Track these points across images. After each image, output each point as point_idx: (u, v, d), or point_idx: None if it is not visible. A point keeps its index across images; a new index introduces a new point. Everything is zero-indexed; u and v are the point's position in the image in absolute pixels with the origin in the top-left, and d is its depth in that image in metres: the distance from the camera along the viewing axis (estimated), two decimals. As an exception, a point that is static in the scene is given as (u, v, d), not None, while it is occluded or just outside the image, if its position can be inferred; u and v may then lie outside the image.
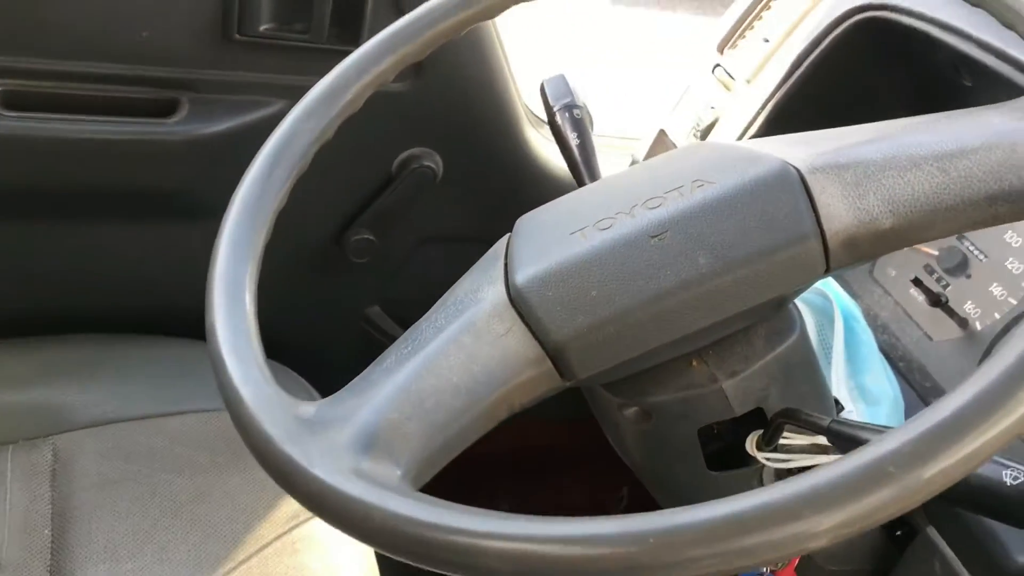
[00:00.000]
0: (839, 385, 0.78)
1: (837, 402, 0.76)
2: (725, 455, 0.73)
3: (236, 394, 0.54)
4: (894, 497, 0.39)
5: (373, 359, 0.58)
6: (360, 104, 0.71)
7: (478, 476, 1.51)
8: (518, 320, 0.57)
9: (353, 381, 0.59)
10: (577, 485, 1.64)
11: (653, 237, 0.57)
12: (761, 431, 0.70)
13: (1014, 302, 0.90)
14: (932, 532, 0.75)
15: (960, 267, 0.94)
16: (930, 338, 0.93)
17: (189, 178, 1.08)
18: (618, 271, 0.56)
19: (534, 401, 0.61)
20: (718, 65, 1.08)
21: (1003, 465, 0.53)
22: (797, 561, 0.75)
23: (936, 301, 0.91)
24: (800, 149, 0.59)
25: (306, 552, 0.91)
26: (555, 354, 0.57)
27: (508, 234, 0.66)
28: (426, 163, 1.17)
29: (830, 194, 0.54)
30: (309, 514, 0.95)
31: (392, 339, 0.61)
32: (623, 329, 0.56)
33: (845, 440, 0.62)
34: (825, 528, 0.38)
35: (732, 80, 1.05)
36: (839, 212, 0.54)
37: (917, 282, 0.93)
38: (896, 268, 0.98)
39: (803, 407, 0.68)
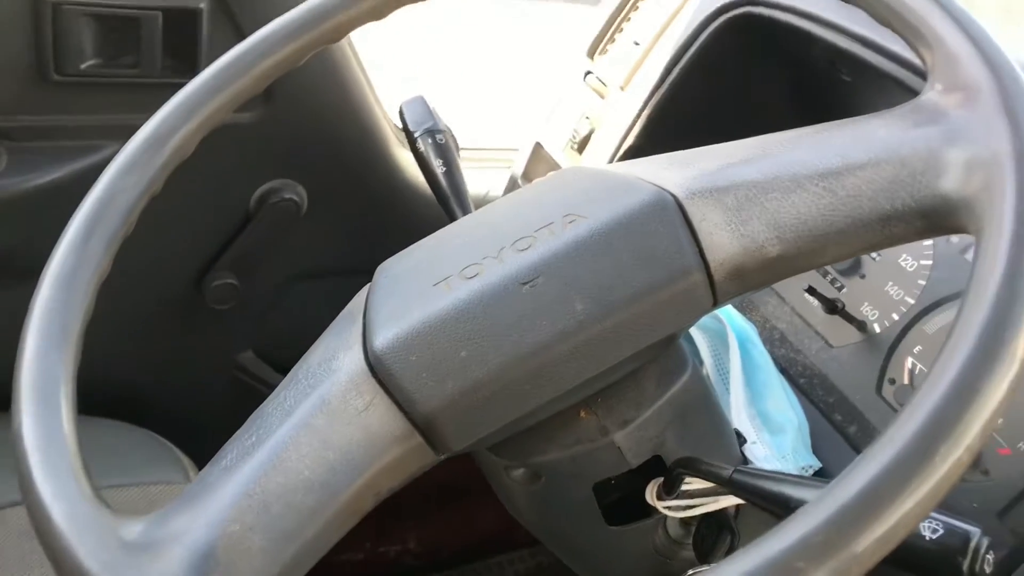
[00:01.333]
0: (740, 414, 0.73)
1: (739, 434, 0.71)
2: (625, 505, 0.68)
3: (45, 514, 0.46)
4: None
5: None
6: (192, 148, 0.63)
7: (381, 513, 1.43)
8: (380, 391, 0.50)
9: (188, 487, 0.51)
10: (488, 511, 1.58)
11: (524, 284, 0.51)
12: (661, 479, 0.64)
13: (911, 301, 0.86)
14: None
15: (854, 268, 0.91)
16: (831, 345, 0.89)
17: (13, 237, 0.96)
18: (489, 326, 0.50)
19: (406, 481, 0.54)
20: (589, 72, 1.02)
21: None
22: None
23: (833, 308, 0.88)
24: (676, 172, 0.54)
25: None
26: (425, 427, 0.50)
27: (368, 285, 0.59)
28: (287, 196, 1.09)
29: (711, 222, 0.50)
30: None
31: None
32: (499, 391, 0.50)
33: (749, 492, 0.57)
34: None
35: (605, 87, 0.99)
36: (722, 241, 0.49)
37: (812, 290, 0.89)
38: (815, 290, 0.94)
39: (703, 448, 0.63)
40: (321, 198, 1.10)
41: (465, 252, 0.56)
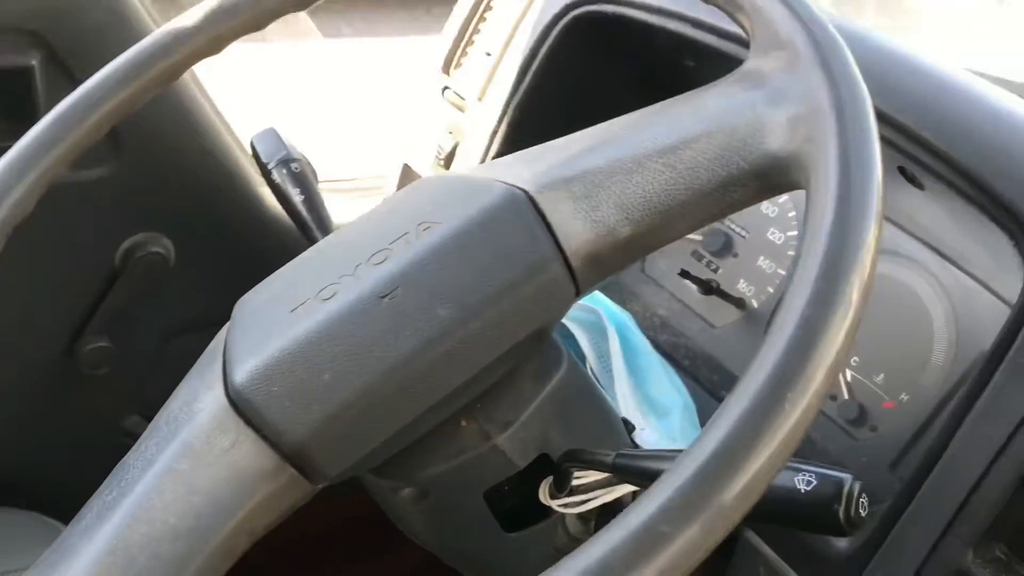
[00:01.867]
0: (626, 402, 0.73)
1: (627, 422, 0.71)
2: (521, 510, 0.67)
3: None
4: (675, 559, 0.34)
5: None
6: (31, 207, 0.60)
7: (303, 557, 1.39)
8: (244, 428, 0.48)
9: (45, 554, 0.48)
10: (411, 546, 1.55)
11: (383, 297, 0.50)
12: (552, 477, 0.64)
13: (783, 272, 0.88)
14: (751, 536, 0.71)
15: (726, 248, 0.92)
16: (712, 326, 0.90)
17: None
18: (350, 345, 0.49)
19: (284, 516, 0.52)
20: (447, 87, 1.02)
21: (795, 470, 0.49)
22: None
23: (708, 289, 0.89)
24: (525, 168, 0.54)
25: None
26: (295, 457, 0.48)
27: (228, 323, 0.57)
28: (153, 249, 1.05)
29: (562, 212, 0.50)
30: None
31: None
32: (368, 410, 0.49)
33: (633, 474, 0.57)
34: None
35: (463, 100, 0.99)
36: (575, 229, 0.50)
37: (685, 273, 0.90)
38: (666, 261, 0.95)
39: (589, 440, 0.63)
40: (189, 247, 1.07)
41: (321, 274, 0.55)
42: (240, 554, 0.49)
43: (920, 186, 0.68)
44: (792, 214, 0.90)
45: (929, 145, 0.64)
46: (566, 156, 0.53)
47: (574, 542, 0.69)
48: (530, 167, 0.54)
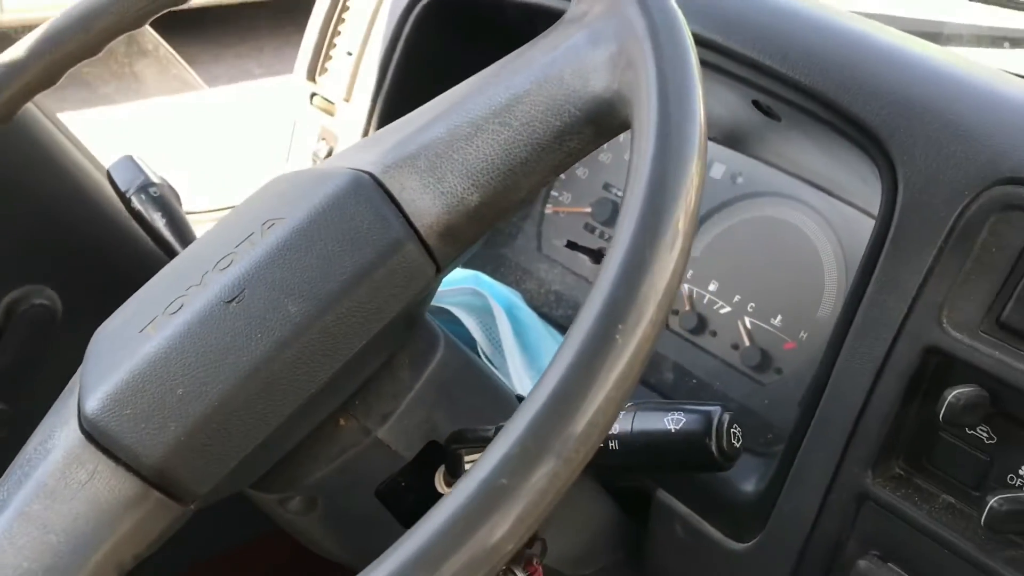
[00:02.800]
0: (520, 379, 0.71)
1: (522, 398, 0.69)
2: (423, 503, 0.65)
3: None
4: (521, 509, 0.33)
5: None
6: None
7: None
8: (102, 457, 0.47)
9: None
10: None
11: (230, 302, 0.48)
12: (444, 464, 0.62)
13: (673, 231, 0.87)
14: (664, 496, 0.70)
15: (615, 214, 0.91)
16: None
17: None
18: (200, 356, 0.47)
19: (157, 544, 0.49)
20: (314, 94, 0.99)
21: (664, 411, 0.48)
22: (543, 580, 0.67)
23: (598, 257, 0.88)
24: (370, 151, 0.52)
25: None
26: (158, 480, 0.46)
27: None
28: (37, 302, 1.01)
29: (410, 189, 0.49)
30: None
31: None
32: (229, 420, 0.47)
33: None
34: None
35: (332, 104, 0.97)
36: (425, 205, 0.49)
37: (572, 244, 0.89)
38: (559, 237, 0.94)
39: (480, 422, 0.61)
40: (75, 294, 1.03)
41: (170, 289, 0.52)
42: None
43: (777, 117, 0.68)
44: (674, 171, 0.89)
45: (777, 74, 0.63)
46: (408, 132, 0.52)
47: (484, 529, 0.67)
48: (374, 149, 0.53)
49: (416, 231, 0.49)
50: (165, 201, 0.78)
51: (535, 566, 0.68)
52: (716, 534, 0.66)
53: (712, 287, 0.83)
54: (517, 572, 0.67)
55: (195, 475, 0.47)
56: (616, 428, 0.50)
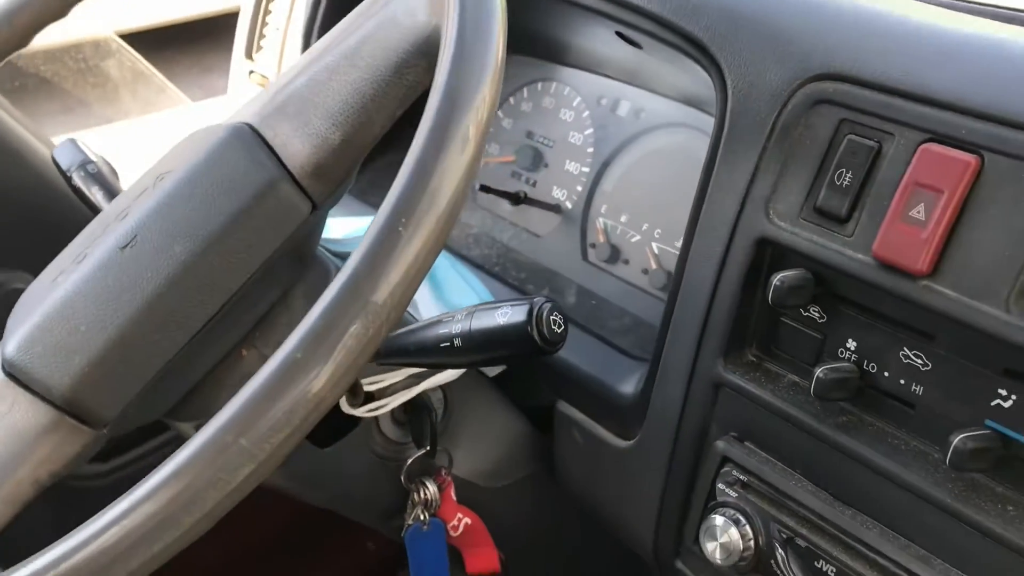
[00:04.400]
0: (426, 308, 0.76)
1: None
2: (337, 426, 0.70)
3: None
4: (315, 388, 0.40)
5: None
6: None
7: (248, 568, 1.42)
8: (19, 390, 0.53)
9: None
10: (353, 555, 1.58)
11: (124, 248, 0.54)
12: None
13: (587, 170, 0.92)
14: (562, 405, 0.75)
15: (536, 161, 0.96)
16: (538, 235, 0.94)
17: None
18: (100, 297, 0.53)
19: (74, 464, 0.55)
20: (252, 71, 1.05)
21: (496, 308, 0.53)
22: (451, 488, 0.73)
23: (517, 199, 0.93)
24: (254, 104, 0.58)
25: None
26: (69, 407, 0.52)
27: None
28: (14, 286, 1.08)
29: (283, 134, 0.54)
30: None
31: None
32: (129, 351, 0.52)
33: (391, 353, 0.61)
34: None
35: (266, 78, 1.03)
36: (296, 148, 0.53)
37: (487, 188, 0.94)
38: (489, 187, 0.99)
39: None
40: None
41: (80, 243, 0.58)
42: (26, 502, 0.53)
43: (638, 45, 0.72)
44: (586, 114, 0.94)
45: (626, 3, 0.68)
46: (282, 83, 0.57)
47: (392, 444, 0.73)
48: (256, 103, 0.58)
49: (289, 172, 0.54)
50: (101, 177, 0.84)
51: (443, 476, 0.74)
52: (606, 435, 0.71)
53: (623, 218, 0.88)
54: (428, 483, 0.73)
55: (102, 402, 0.52)
56: (458, 328, 0.55)
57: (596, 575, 0.92)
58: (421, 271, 0.42)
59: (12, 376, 0.52)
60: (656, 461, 0.67)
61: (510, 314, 0.52)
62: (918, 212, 0.51)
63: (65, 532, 0.84)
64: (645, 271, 0.85)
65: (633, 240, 0.87)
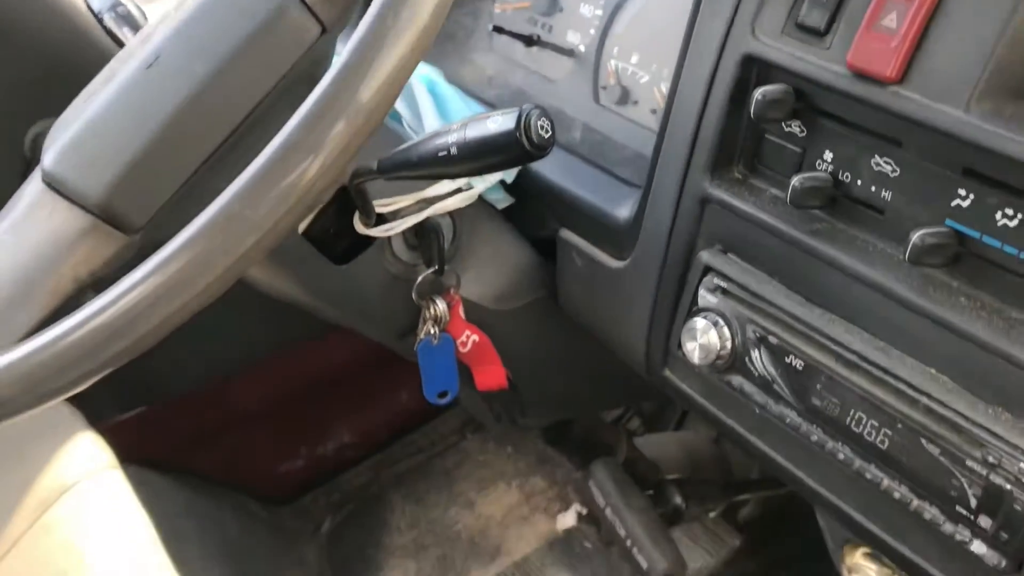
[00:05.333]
0: (432, 127, 0.80)
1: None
2: (352, 247, 0.76)
3: None
4: (324, 159, 0.45)
5: None
6: None
7: (310, 420, 1.51)
8: (58, 198, 0.58)
9: None
10: (405, 388, 1.66)
11: (148, 67, 0.58)
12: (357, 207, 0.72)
13: (600, 12, 0.94)
14: (564, 232, 0.79)
15: (551, 5, 0.98)
16: (550, 80, 0.97)
17: None
18: (128, 112, 0.58)
19: (109, 266, 0.61)
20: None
21: (488, 118, 0.57)
22: (460, 307, 0.78)
23: (530, 41, 0.95)
24: None
25: (59, 532, 0.90)
26: (103, 213, 0.57)
27: None
28: None
29: None
30: (56, 496, 0.94)
31: None
32: (158, 162, 0.58)
33: (392, 168, 0.65)
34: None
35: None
36: None
37: (500, 29, 0.96)
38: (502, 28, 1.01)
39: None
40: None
41: (110, 67, 0.63)
42: (67, 296, 0.59)
43: None
44: (604, -45, 0.95)
45: None
46: None
47: (404, 265, 0.78)
48: None
49: None
50: (132, 18, 0.88)
51: (452, 295, 0.79)
52: (603, 257, 0.76)
53: (634, 59, 0.90)
54: (437, 300, 0.78)
55: (132, 209, 0.57)
56: (453, 137, 0.59)
57: (595, 393, 0.98)
58: (404, 70, 0.46)
59: (51, 186, 0.58)
60: (647, 278, 0.71)
61: (500, 122, 0.56)
62: (890, 20, 0.54)
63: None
64: (653, 111, 0.88)
65: (643, 81, 0.89)
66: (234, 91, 0.58)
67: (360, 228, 0.72)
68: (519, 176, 0.81)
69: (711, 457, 1.20)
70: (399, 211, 0.74)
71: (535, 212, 0.83)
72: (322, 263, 0.74)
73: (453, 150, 0.59)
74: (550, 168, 0.81)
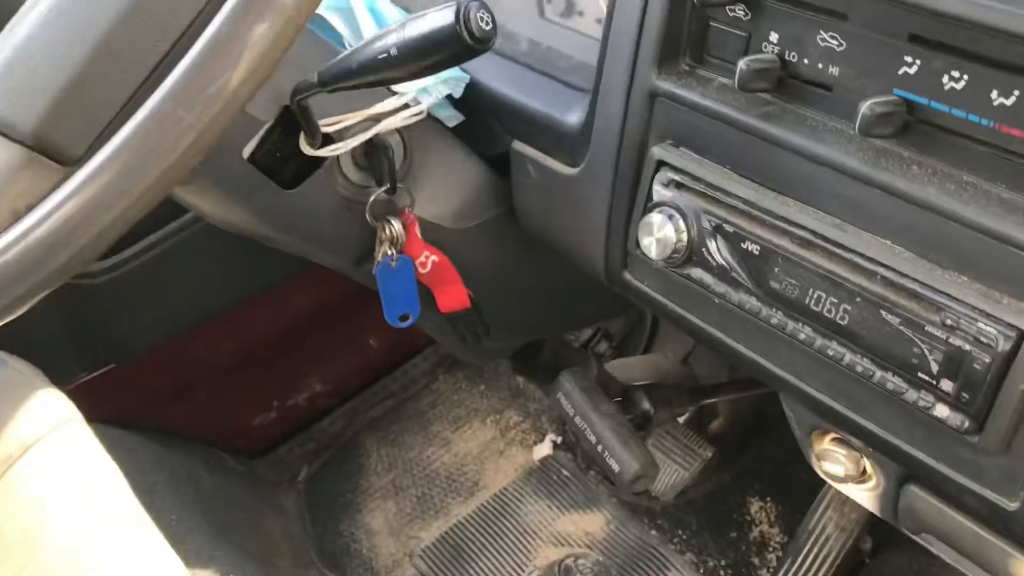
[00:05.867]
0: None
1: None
2: (291, 164, 0.74)
3: None
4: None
5: None
6: None
7: (280, 372, 1.50)
8: None
9: None
10: (371, 335, 1.65)
11: None
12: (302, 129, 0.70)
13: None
14: (517, 144, 0.78)
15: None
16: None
17: None
18: (55, 39, 0.55)
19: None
20: None
21: (423, 15, 0.56)
22: (416, 226, 0.77)
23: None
24: None
25: (23, 488, 0.88)
26: (38, 145, 0.55)
27: None
28: None
29: None
30: (20, 453, 0.92)
31: None
32: (87, 88, 0.55)
33: (336, 77, 0.63)
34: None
35: None
36: None
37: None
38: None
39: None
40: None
41: None
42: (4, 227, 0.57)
43: None
44: None
45: None
46: None
47: (355, 186, 0.77)
48: None
49: None
50: None
51: (407, 214, 0.78)
52: (557, 165, 0.75)
53: (577, -31, 0.88)
54: (392, 221, 0.77)
55: (67, 139, 0.55)
56: (393, 39, 0.58)
57: (560, 313, 0.98)
58: None
59: None
60: (601, 181, 0.70)
61: (440, 17, 0.55)
62: None
63: (74, 329, 0.90)
64: (599, 20, 0.86)
65: (587, -10, 0.88)
66: (166, 11, 0.56)
67: (306, 149, 0.71)
68: (467, 92, 0.80)
69: (679, 375, 1.20)
70: (346, 130, 0.72)
71: (486, 128, 0.82)
72: (271, 189, 0.72)
73: (394, 51, 0.57)
74: (498, 80, 0.80)
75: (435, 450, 1.61)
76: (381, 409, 1.68)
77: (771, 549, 1.39)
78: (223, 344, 1.42)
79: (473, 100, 0.80)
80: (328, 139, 0.72)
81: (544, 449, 1.57)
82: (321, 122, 0.70)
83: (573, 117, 0.73)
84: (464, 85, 0.79)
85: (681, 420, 1.16)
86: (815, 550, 1.26)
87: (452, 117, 0.82)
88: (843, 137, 0.57)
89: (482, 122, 0.82)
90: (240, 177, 0.71)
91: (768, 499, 1.43)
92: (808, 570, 1.26)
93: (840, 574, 1.25)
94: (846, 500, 1.27)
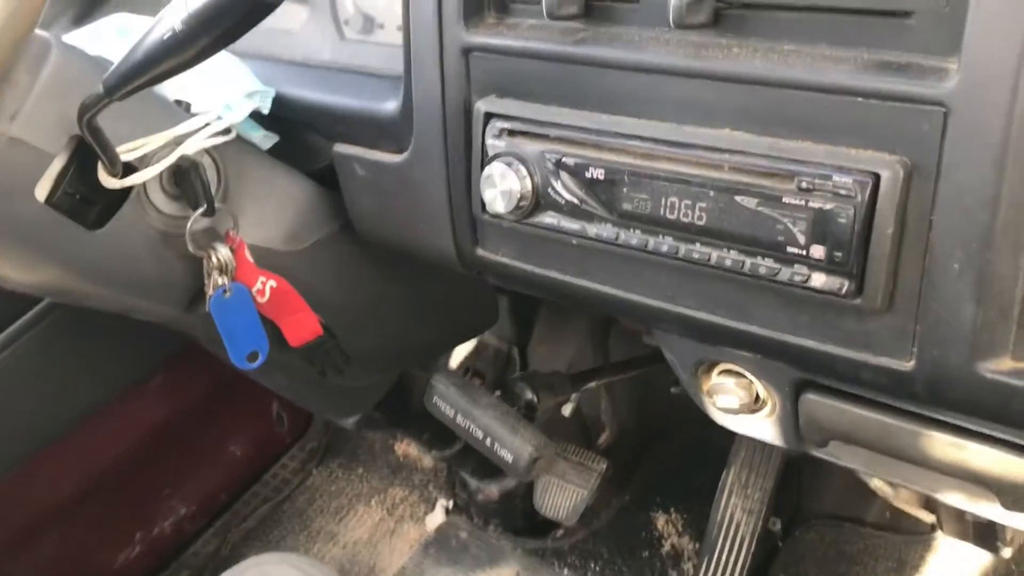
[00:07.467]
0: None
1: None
2: (96, 203, 0.68)
3: None
4: None
5: None
6: None
7: (135, 476, 1.37)
8: None
9: None
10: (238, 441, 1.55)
11: None
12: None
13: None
14: (339, 146, 0.76)
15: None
16: (289, 32, 0.92)
17: None
18: None
19: None
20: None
21: None
22: (245, 249, 0.71)
23: None
24: None
25: None
26: None
27: None
28: None
29: None
30: None
31: None
32: None
33: (123, 78, 0.58)
34: None
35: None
36: None
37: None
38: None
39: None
40: None
41: None
42: None
43: None
44: None
45: None
46: None
47: (168, 217, 0.70)
48: None
49: None
50: None
51: (232, 237, 0.72)
52: (383, 156, 0.71)
53: (368, -15, 0.87)
54: (218, 246, 0.71)
55: None
56: (176, 14, 0.53)
57: (419, 335, 0.93)
58: None
59: None
60: (432, 157, 0.67)
61: None
62: None
63: None
64: (399, 27, 0.85)
65: (381, 2, 0.86)
66: None
67: (107, 181, 0.64)
68: (277, 107, 0.75)
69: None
70: (149, 156, 0.66)
71: (305, 144, 0.78)
72: (77, 232, 0.65)
73: (179, 27, 0.53)
74: (307, 88, 0.76)
75: (321, 546, 1.50)
76: (255, 519, 1.57)
77: (687, 558, 1.35)
78: (66, 473, 1.28)
79: (285, 114, 0.76)
80: (130, 168, 0.66)
81: (437, 517, 1.49)
82: (120, 149, 0.64)
83: (390, 105, 0.70)
84: (271, 99, 0.75)
85: (566, 412, 1.12)
86: (727, 542, 1.23)
87: (266, 138, 0.77)
88: (660, 41, 0.56)
89: (299, 138, 0.78)
90: (37, 224, 0.64)
91: (672, 510, 1.40)
92: (726, 565, 1.22)
93: (756, 562, 1.23)
94: (747, 481, 1.26)
